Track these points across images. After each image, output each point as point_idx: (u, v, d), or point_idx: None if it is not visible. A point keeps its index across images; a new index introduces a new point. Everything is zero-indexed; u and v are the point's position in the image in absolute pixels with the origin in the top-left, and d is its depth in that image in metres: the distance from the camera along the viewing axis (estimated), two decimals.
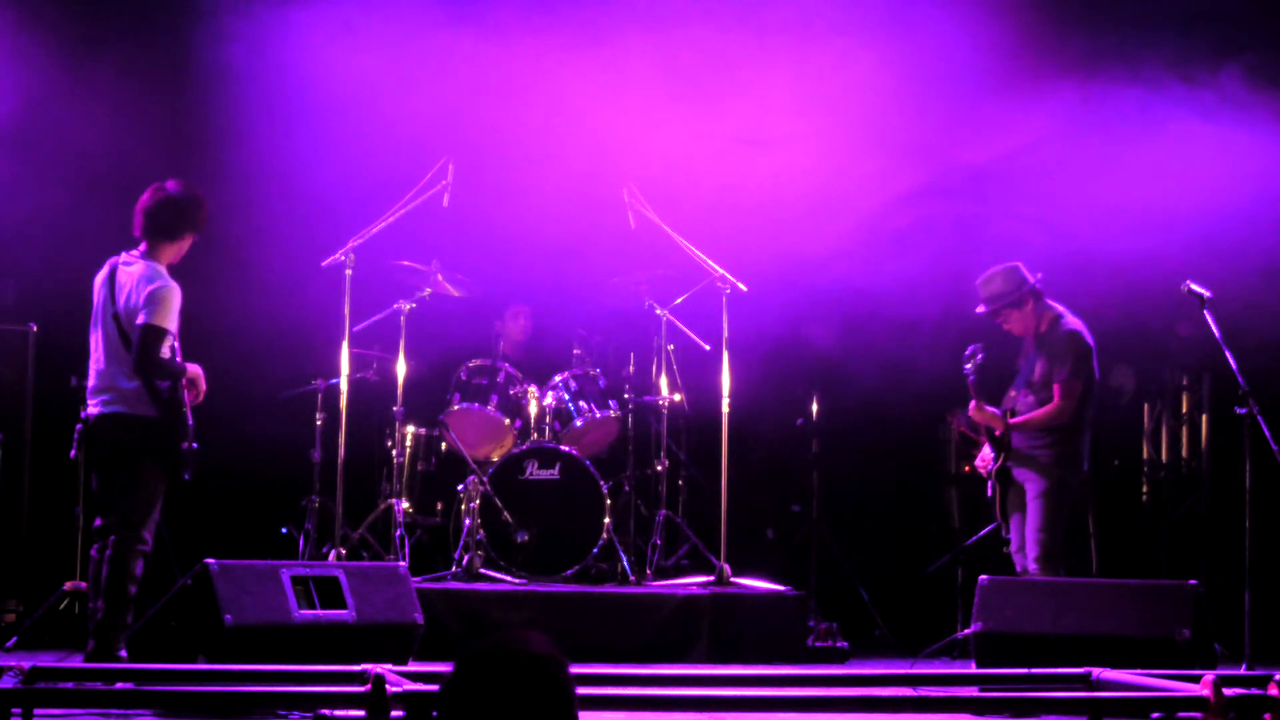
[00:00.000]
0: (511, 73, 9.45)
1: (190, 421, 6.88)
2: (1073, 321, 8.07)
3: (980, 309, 8.16)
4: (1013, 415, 8.00)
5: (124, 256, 6.94)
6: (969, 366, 7.95)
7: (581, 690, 3.02)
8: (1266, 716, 5.04)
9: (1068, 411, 7.92)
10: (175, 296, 6.82)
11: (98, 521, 6.90)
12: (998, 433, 8.02)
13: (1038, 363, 8.05)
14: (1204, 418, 10.30)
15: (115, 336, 6.84)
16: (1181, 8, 9.56)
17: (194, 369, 6.92)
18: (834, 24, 9.41)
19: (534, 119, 9.63)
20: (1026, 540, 7.91)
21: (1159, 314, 10.08)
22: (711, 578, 9.00)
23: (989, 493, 8.09)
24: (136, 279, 6.83)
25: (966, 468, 10.10)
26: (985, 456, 8.11)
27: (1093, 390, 8.04)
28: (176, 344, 6.93)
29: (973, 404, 8.04)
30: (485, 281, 9.85)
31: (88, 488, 7.17)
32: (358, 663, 5.62)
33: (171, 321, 6.80)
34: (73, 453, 6.95)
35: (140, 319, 6.75)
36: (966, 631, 7.17)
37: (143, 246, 6.94)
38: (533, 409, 9.61)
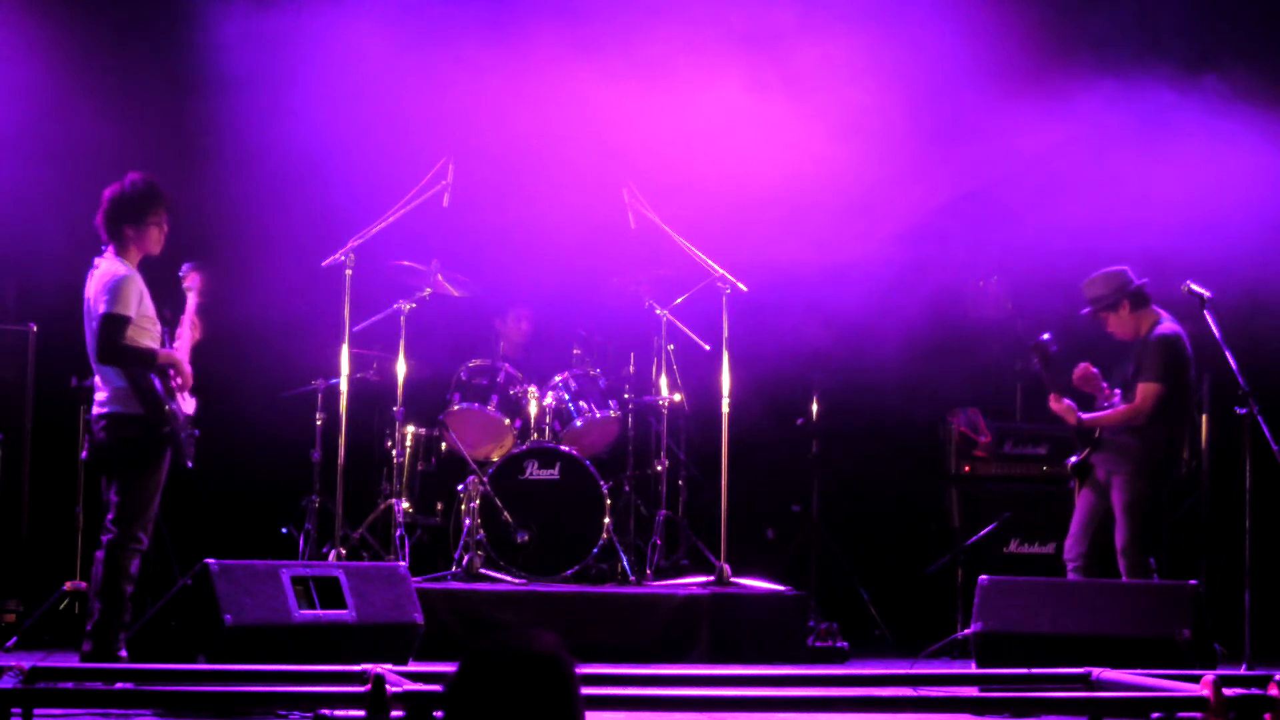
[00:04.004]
0: (511, 73, 9.45)
1: (176, 408, 6.90)
2: (1168, 327, 8.03)
3: (1084, 311, 8.19)
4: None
5: (95, 261, 7.03)
6: (1036, 359, 8.00)
7: (582, 690, 3.02)
8: (1266, 716, 5.05)
9: (1142, 414, 7.90)
10: (132, 285, 6.85)
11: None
12: (1071, 423, 8.07)
13: (1132, 365, 8.06)
14: (1204, 418, 10.29)
15: (94, 336, 6.88)
16: (1186, 12, 9.57)
17: (168, 354, 6.95)
18: (837, 27, 9.41)
19: (534, 119, 9.63)
20: (1117, 553, 7.91)
21: None
22: (711, 578, 9.01)
23: (1071, 485, 8.19)
24: (98, 277, 6.92)
25: (966, 467, 10.11)
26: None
27: (1180, 397, 8.00)
28: (159, 330, 6.96)
29: (1051, 396, 8.11)
30: (485, 281, 9.85)
31: (89, 488, 7.19)
32: (358, 663, 5.62)
33: (130, 308, 6.81)
34: (84, 454, 7.01)
35: (100, 310, 6.81)
36: (966, 631, 7.17)
37: (110, 248, 7.01)
38: (533, 409, 9.61)
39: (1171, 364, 7.95)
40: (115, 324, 6.79)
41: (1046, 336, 8.05)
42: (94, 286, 6.91)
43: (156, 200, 7.05)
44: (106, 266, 6.93)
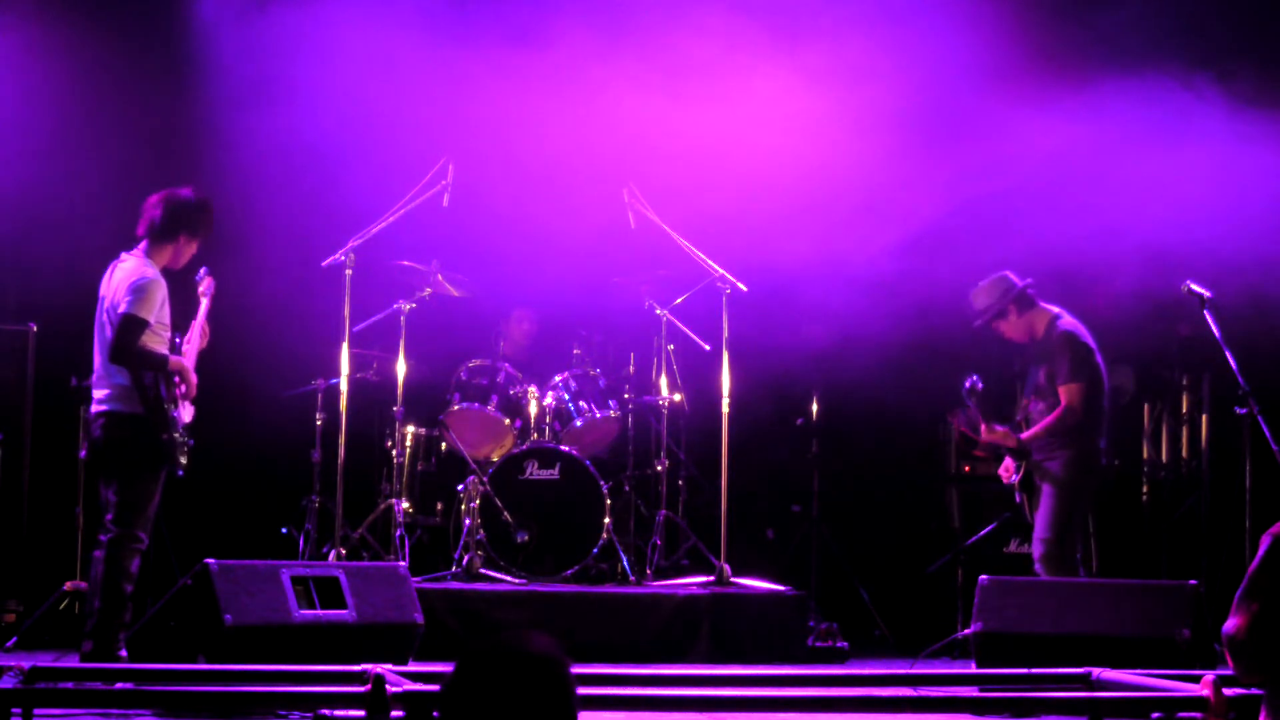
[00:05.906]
0: (512, 73, 9.44)
1: (177, 414, 6.89)
2: (1067, 322, 8.07)
3: (975, 323, 8.21)
4: (1019, 429, 8.03)
5: (122, 255, 7.01)
6: (971, 401, 8.01)
7: (581, 690, 3.02)
8: None
9: (1074, 413, 7.91)
10: (158, 290, 6.86)
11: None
12: (1012, 446, 8.04)
13: (1041, 368, 8.07)
14: (1204, 418, 10.29)
15: (108, 334, 6.87)
16: (1185, 15, 9.56)
17: (178, 361, 6.95)
18: (841, 27, 9.41)
19: (534, 119, 9.63)
20: (1033, 540, 7.92)
21: (1159, 314, 10.07)
22: (711, 578, 9.00)
23: (1018, 500, 8.13)
24: (124, 275, 6.90)
25: (967, 467, 10.11)
26: (1007, 466, 8.14)
27: (1099, 386, 8.02)
28: (170, 336, 6.96)
29: (983, 428, 8.09)
30: (485, 282, 9.85)
31: (88, 487, 7.19)
32: (358, 663, 5.62)
33: (151, 313, 6.81)
34: (82, 452, 7.02)
35: (121, 309, 6.79)
36: (966, 631, 7.17)
37: (141, 245, 7.00)
38: (533, 409, 9.61)
39: (1082, 358, 7.98)
40: (133, 326, 6.78)
41: (972, 379, 8.06)
42: (117, 282, 6.89)
43: (211, 220, 7.09)
44: (134, 265, 6.91)
